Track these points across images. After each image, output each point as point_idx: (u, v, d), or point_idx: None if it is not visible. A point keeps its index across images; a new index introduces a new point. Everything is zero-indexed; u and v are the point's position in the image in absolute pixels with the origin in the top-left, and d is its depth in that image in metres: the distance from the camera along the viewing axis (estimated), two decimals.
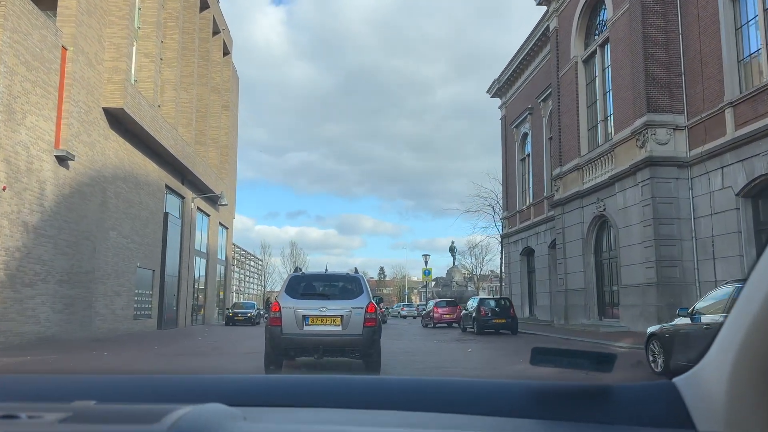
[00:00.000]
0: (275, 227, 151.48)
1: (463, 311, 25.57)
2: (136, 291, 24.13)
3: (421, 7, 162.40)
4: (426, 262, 43.20)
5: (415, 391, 1.23)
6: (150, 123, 23.09)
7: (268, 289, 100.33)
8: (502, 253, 45.14)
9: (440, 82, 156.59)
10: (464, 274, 75.25)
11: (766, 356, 0.90)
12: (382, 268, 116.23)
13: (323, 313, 9.31)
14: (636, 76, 19.38)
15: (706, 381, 1.01)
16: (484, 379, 1.44)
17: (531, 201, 32.37)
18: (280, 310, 9.31)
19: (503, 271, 38.46)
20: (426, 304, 52.00)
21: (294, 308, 9.30)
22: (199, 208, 33.67)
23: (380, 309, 35.60)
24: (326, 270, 10.71)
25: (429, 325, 30.83)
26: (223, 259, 42.08)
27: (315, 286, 10.05)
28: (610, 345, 15.56)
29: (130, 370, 10.90)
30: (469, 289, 67.23)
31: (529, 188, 33.29)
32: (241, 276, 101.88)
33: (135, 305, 24.04)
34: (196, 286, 34.34)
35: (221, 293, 46.25)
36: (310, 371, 10.13)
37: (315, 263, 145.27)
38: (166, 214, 27.84)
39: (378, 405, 1.16)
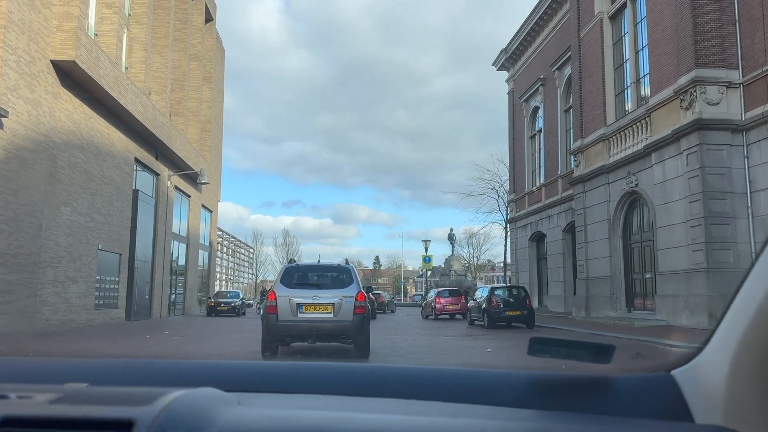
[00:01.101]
0: (270, 216, 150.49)
1: (471, 302, 22.68)
2: (98, 277, 21.10)
3: None
4: (426, 249, 40.15)
5: (412, 379, 1.21)
6: (112, 84, 19.97)
7: (260, 278, 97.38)
8: (506, 239, 42.31)
9: (438, 72, 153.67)
10: (463, 263, 72.45)
11: (766, 350, 0.87)
12: (377, 258, 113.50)
13: (316, 301, 9.81)
14: (680, 25, 16.41)
15: (705, 373, 1.00)
16: (481, 368, 1.27)
17: (542, 181, 29.43)
18: (275, 299, 9.83)
19: (509, 258, 35.56)
20: (425, 294, 49.14)
21: (289, 297, 9.81)
22: (177, 188, 30.59)
23: (380, 298, 33.57)
24: (319, 261, 11.19)
25: (430, 317, 27.98)
26: (207, 244, 39.05)
27: (308, 276, 10.46)
28: (662, 343, 12.69)
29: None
30: (468, 278, 64.47)
31: (540, 167, 30.33)
32: (233, 265, 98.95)
33: (96, 293, 21.02)
34: (175, 273, 31.34)
35: (215, 282, 43.33)
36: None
37: (310, 253, 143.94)
38: (135, 192, 24.76)
39: (374, 393, 1.14)
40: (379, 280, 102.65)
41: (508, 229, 36.23)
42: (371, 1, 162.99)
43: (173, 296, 31.08)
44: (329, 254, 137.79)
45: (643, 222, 19.30)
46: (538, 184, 30.18)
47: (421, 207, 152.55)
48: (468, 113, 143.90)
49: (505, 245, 42.46)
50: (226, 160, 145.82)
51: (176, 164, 29.04)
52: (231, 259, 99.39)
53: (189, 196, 33.14)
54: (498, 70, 35.67)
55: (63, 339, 15.00)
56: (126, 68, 23.66)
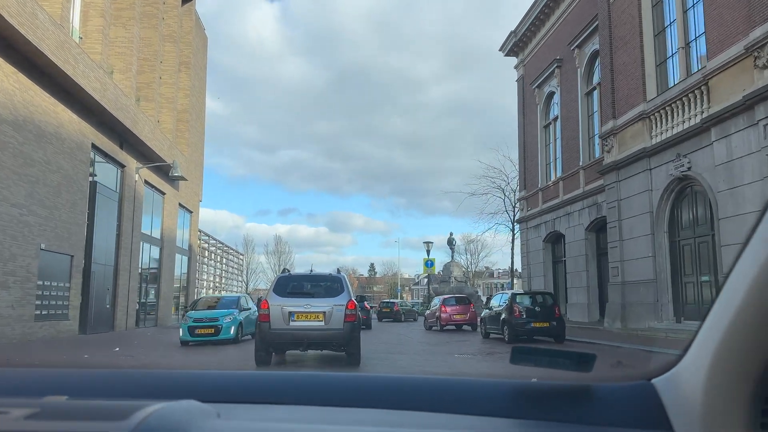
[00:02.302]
0: (266, 225, 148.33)
1: (485, 311, 19.30)
2: (40, 282, 17.62)
3: (416, 3, 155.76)
4: (428, 251, 36.65)
5: (396, 389, 1.19)
6: (55, 49, 16.60)
7: (251, 286, 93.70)
8: (513, 242, 39.05)
9: (434, 79, 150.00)
10: (462, 269, 69.07)
11: (744, 358, 0.88)
12: (372, 265, 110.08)
13: (308, 310, 10.14)
14: None
15: (684, 382, 1.00)
16: (465, 377, 1.26)
17: (560, 174, 26.16)
18: (268, 308, 10.16)
19: (520, 262, 32.17)
20: (424, 302, 45.73)
21: (281, 305, 10.15)
22: (149, 183, 27.13)
23: (395, 306, 31.34)
24: (311, 270, 11.72)
25: (434, 327, 24.60)
26: (187, 248, 35.53)
27: (300, 285, 10.74)
28: None
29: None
30: (467, 285, 61.02)
31: (556, 159, 27.06)
32: (221, 272, 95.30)
33: (38, 302, 17.53)
34: (145, 280, 27.84)
35: (201, 290, 39.96)
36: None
37: (304, 262, 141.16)
38: (93, 184, 21.32)
39: (357, 403, 1.13)
40: (375, 288, 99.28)
41: (518, 230, 32.93)
42: (368, 8, 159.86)
43: (144, 306, 27.58)
44: (324, 263, 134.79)
45: (696, 213, 16.01)
46: (554, 178, 26.91)
47: (417, 215, 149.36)
48: (465, 120, 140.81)
49: (512, 248, 39.23)
50: (220, 168, 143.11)
51: (146, 155, 25.60)
52: (221, 266, 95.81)
53: (163, 194, 29.67)
54: (506, 55, 32.45)
55: None
56: (80, 38, 20.30)
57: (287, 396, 1.15)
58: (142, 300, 27.41)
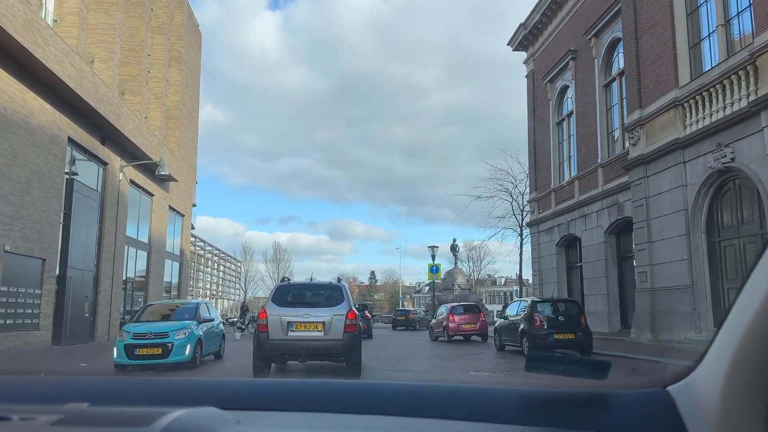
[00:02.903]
0: (267, 233, 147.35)
1: (499, 320, 17.48)
2: (4, 288, 15.82)
3: (417, 12, 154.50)
4: (433, 256, 34.67)
5: (410, 396, 1.19)
6: (22, 28, 14.89)
7: (250, 295, 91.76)
8: (521, 247, 37.25)
9: (435, 87, 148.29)
10: (467, 277, 67.31)
11: (760, 365, 0.88)
12: (372, 273, 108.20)
13: (307, 320, 9.87)
14: None
15: (701, 390, 0.99)
16: (479, 385, 1.25)
17: (575, 173, 24.38)
18: (266, 318, 9.92)
19: (531, 268, 30.32)
20: (428, 310, 43.94)
21: (280, 315, 9.90)
22: (135, 183, 25.38)
23: (410, 315, 29.89)
24: (311, 279, 11.59)
25: (441, 338, 22.77)
26: (178, 254, 33.75)
27: (300, 295, 10.50)
28: None
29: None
30: (471, 293, 59.26)
31: (570, 157, 25.29)
32: (220, 281, 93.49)
33: (2, 309, 15.72)
34: (131, 287, 26.02)
35: (196, 298, 38.27)
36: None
37: (305, 269, 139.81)
38: (70, 181, 19.56)
39: (372, 410, 1.12)
40: (375, 296, 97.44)
41: (528, 234, 31.11)
42: (369, 17, 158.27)
43: (130, 314, 25.74)
44: (325, 271, 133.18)
45: (741, 210, 14.22)
46: (568, 177, 25.12)
47: (417, 223, 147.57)
48: (465, 128, 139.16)
49: (521, 254, 37.45)
50: (222, 176, 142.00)
51: (131, 153, 23.85)
52: (218, 274, 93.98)
53: (152, 195, 27.90)
54: (514, 50, 30.72)
55: None
56: (54, 21, 18.59)
57: (305, 403, 1.14)
58: (128, 308, 25.61)
